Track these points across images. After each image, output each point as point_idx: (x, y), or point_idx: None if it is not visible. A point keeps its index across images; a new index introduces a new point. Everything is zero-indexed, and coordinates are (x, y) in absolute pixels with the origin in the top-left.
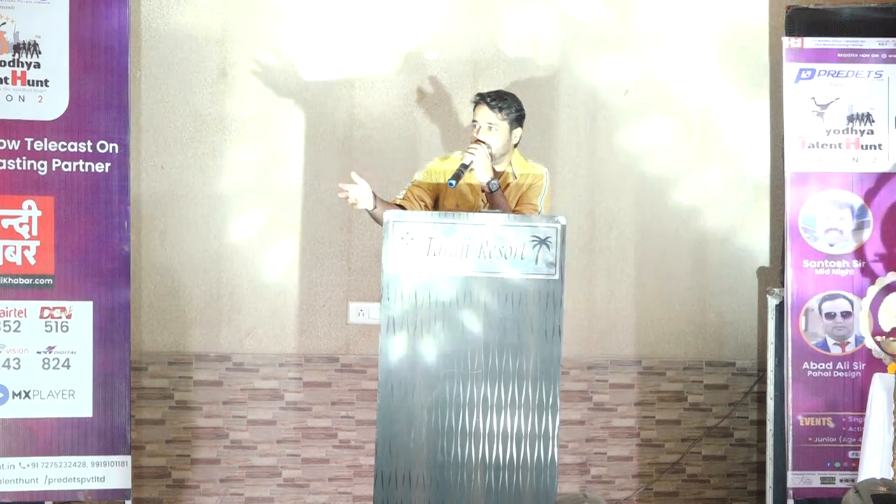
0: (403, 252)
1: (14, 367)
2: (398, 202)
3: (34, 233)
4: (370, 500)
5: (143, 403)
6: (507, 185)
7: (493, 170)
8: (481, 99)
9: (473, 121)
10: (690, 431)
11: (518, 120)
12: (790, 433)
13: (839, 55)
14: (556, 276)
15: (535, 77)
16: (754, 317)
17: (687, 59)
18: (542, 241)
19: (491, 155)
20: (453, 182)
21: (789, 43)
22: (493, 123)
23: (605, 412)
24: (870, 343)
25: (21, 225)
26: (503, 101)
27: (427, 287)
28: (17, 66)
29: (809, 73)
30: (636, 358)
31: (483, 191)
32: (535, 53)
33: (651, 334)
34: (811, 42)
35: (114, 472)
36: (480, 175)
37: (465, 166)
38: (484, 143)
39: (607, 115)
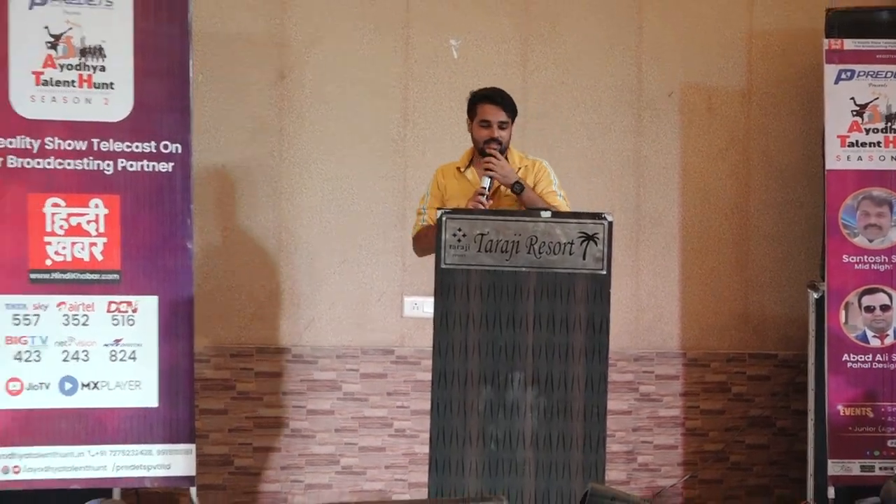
0: (456, 248)
1: (83, 360)
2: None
3: (101, 230)
4: (425, 486)
5: (206, 394)
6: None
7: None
8: (487, 98)
9: (483, 120)
10: (734, 421)
11: (516, 114)
12: (830, 423)
13: (878, 56)
14: (604, 271)
15: (579, 77)
16: (795, 310)
17: (729, 62)
18: (590, 237)
19: (506, 150)
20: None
21: (829, 44)
22: (503, 121)
23: (651, 402)
24: None
25: (89, 222)
26: (506, 98)
27: (478, 281)
28: (84, 69)
29: (849, 73)
30: (681, 350)
31: (513, 192)
32: (577, 55)
33: (695, 327)
34: (850, 44)
35: (179, 460)
36: (505, 181)
37: (485, 188)
38: (496, 149)
39: (653, 115)
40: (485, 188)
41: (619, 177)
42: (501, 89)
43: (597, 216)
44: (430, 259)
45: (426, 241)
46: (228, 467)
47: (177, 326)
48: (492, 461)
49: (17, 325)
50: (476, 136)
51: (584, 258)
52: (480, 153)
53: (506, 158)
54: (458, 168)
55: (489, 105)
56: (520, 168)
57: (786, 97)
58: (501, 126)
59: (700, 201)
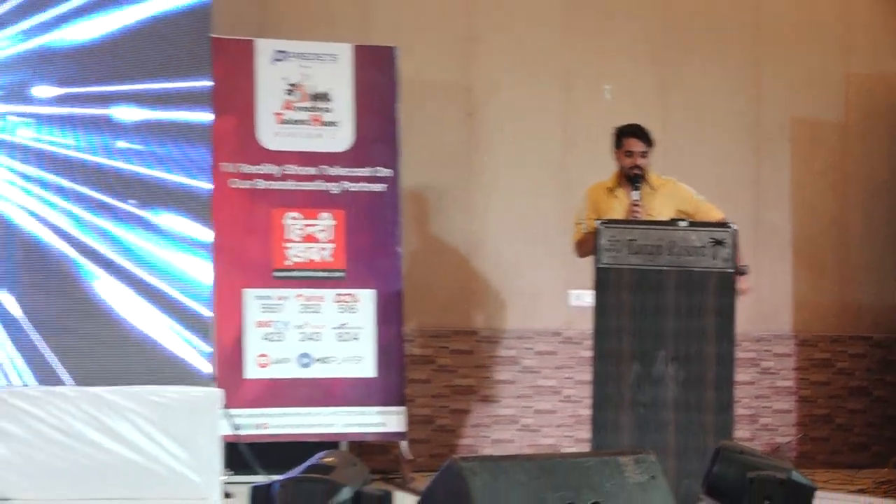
0: (610, 251)
1: (316, 340)
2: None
3: (330, 237)
4: (588, 442)
5: (413, 367)
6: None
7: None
8: (631, 133)
9: (628, 151)
10: (837, 391)
11: (653, 145)
12: None
13: None
14: (730, 270)
15: (708, 114)
16: (886, 301)
17: (830, 99)
18: (719, 242)
19: (645, 173)
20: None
21: None
22: (644, 151)
23: (769, 375)
24: None
25: (320, 231)
26: (646, 132)
27: (629, 277)
28: (315, 111)
29: None
30: (793, 333)
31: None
32: (706, 96)
33: (805, 314)
34: None
35: (392, 419)
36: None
37: (638, 200)
38: (638, 175)
39: (768, 144)
40: (637, 200)
41: (741, 194)
42: (641, 125)
43: (724, 225)
44: (589, 259)
45: (587, 245)
46: (431, 425)
47: (390, 313)
48: (641, 422)
49: (264, 312)
50: (622, 164)
51: (714, 259)
52: (626, 176)
53: (645, 180)
54: (609, 188)
55: (633, 139)
56: (658, 186)
57: (877, 127)
58: (643, 155)
59: (807, 214)
